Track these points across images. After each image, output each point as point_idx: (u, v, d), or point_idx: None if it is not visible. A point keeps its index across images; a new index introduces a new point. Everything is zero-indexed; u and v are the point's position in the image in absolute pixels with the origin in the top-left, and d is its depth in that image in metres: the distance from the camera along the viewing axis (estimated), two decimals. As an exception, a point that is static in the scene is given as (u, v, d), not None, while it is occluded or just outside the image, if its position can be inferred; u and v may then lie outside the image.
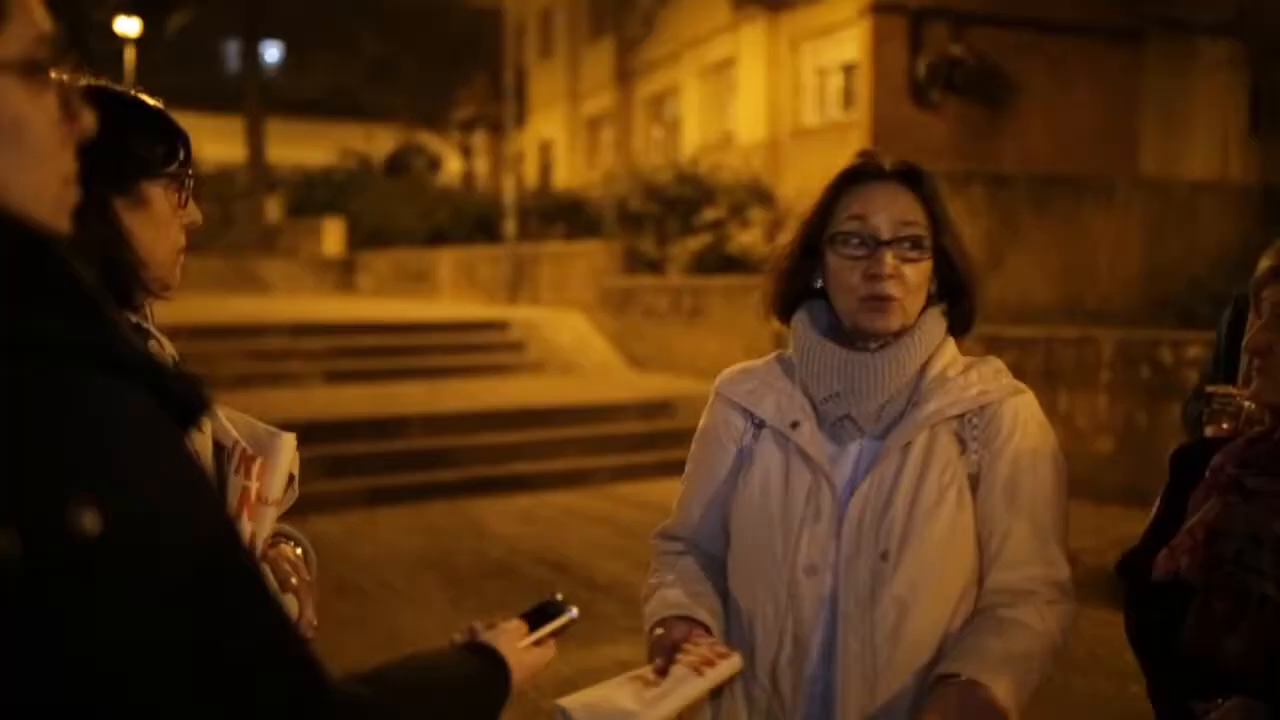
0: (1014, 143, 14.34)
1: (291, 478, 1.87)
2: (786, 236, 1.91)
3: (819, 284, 1.86)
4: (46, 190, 0.87)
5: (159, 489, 0.77)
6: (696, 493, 1.94)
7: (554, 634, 1.29)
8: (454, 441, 9.59)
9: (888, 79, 14.40)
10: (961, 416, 1.77)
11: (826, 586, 1.73)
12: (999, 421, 1.78)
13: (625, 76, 22.56)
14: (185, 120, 1.72)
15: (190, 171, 1.69)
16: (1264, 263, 1.76)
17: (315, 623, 1.83)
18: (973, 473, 1.76)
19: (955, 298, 1.85)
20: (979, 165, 13.45)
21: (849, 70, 15.72)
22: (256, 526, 1.80)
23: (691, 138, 19.45)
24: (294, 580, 1.81)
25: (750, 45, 17.56)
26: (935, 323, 1.83)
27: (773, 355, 1.95)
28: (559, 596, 1.33)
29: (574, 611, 1.33)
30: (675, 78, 20.62)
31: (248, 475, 1.80)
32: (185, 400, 0.82)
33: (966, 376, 1.81)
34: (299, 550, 1.92)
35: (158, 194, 1.61)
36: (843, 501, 1.75)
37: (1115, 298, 12.95)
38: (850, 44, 15.37)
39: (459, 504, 8.60)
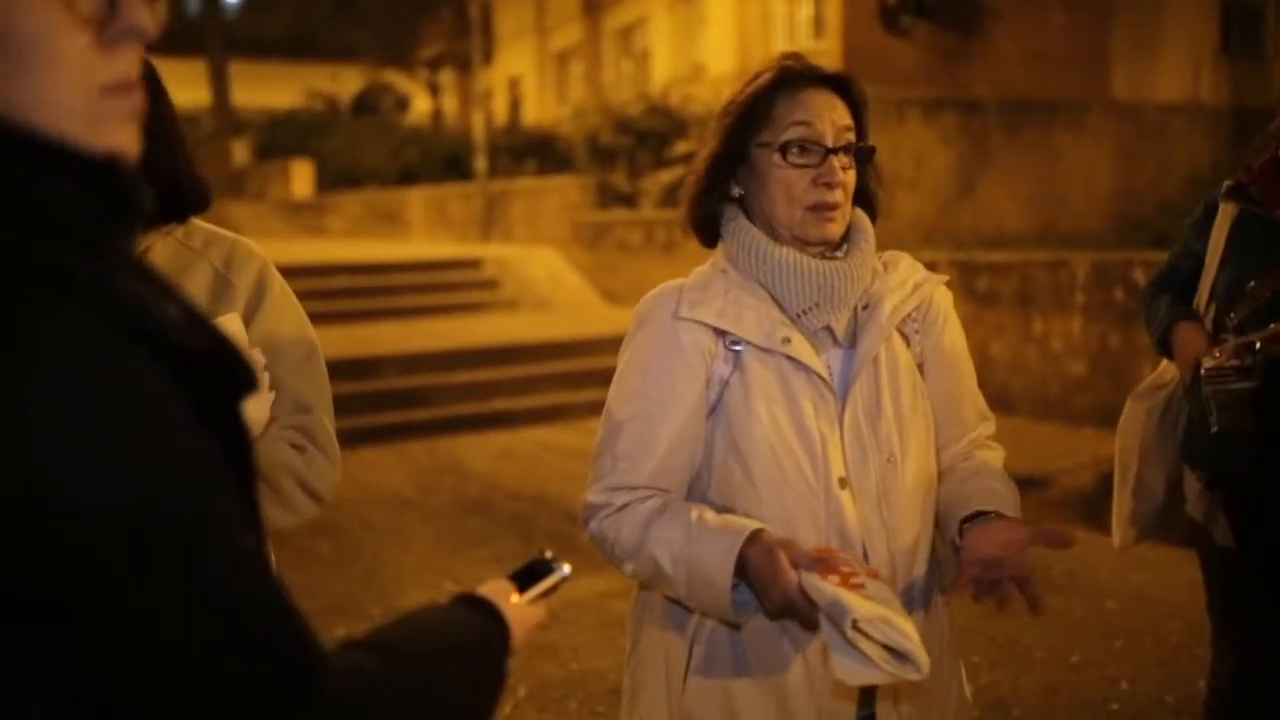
0: (986, 68, 14.24)
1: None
2: (705, 149, 1.85)
3: (737, 193, 1.84)
4: (66, 101, 0.80)
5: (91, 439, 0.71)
6: (656, 430, 1.77)
7: (545, 594, 1.20)
8: (430, 380, 9.56)
9: (858, 5, 14.25)
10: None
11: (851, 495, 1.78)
12: (933, 312, 1.91)
13: (593, 9, 22.27)
14: (145, 64, 1.68)
15: None
16: None
17: None
18: (919, 361, 1.89)
19: (867, 203, 1.89)
20: (951, 91, 13.36)
21: (819, -3, 15.59)
22: None
23: (661, 70, 19.26)
24: None
25: (719, -26, 17.36)
26: (868, 225, 1.88)
27: (706, 273, 1.87)
28: (548, 554, 1.24)
29: (566, 569, 1.22)
30: (644, 9, 20.37)
31: None
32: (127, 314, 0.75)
33: (897, 273, 1.89)
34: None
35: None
36: (841, 412, 1.78)
37: (1088, 222, 12.96)
38: (820, -30, 15.23)
39: (436, 442, 8.60)
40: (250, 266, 1.96)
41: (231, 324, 1.83)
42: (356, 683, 0.85)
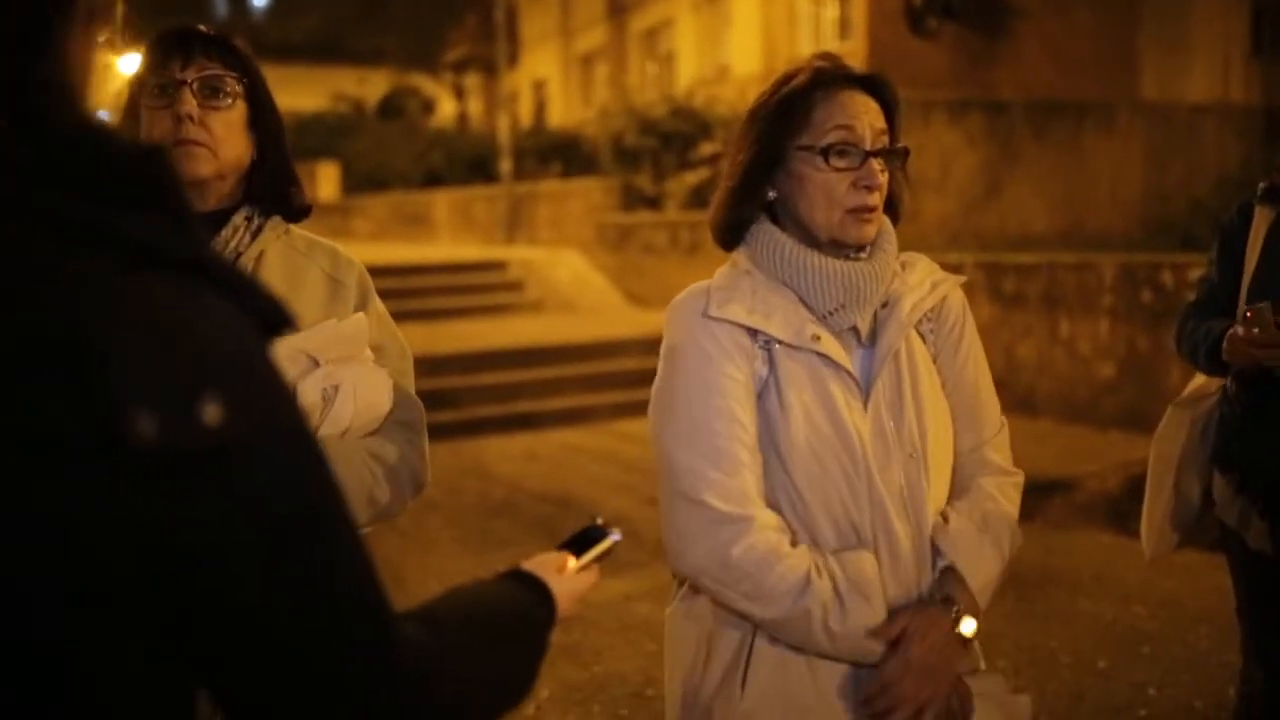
0: (1012, 69, 14.16)
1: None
2: (739, 153, 1.85)
3: (771, 197, 1.84)
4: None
5: (266, 392, 0.80)
6: (731, 438, 1.74)
7: (598, 559, 1.25)
8: (455, 382, 9.57)
9: (883, 6, 14.20)
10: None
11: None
12: (949, 312, 1.92)
13: (618, 11, 22.28)
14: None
15: None
16: None
17: None
18: (935, 361, 1.90)
19: (890, 205, 1.89)
20: (977, 93, 13.30)
21: (844, -1, 15.54)
22: None
23: (687, 72, 19.25)
24: None
25: (744, -24, 17.33)
26: (890, 227, 1.90)
27: (730, 274, 1.86)
28: (600, 520, 1.29)
29: (617, 534, 1.26)
30: (669, 11, 20.37)
31: None
32: (268, 313, 0.82)
33: (914, 273, 1.90)
34: None
35: None
36: (865, 408, 1.80)
37: (1116, 223, 12.88)
38: (845, -28, 15.19)
39: (461, 444, 8.61)
40: (353, 271, 2.07)
41: (360, 323, 1.94)
42: (417, 657, 0.90)
